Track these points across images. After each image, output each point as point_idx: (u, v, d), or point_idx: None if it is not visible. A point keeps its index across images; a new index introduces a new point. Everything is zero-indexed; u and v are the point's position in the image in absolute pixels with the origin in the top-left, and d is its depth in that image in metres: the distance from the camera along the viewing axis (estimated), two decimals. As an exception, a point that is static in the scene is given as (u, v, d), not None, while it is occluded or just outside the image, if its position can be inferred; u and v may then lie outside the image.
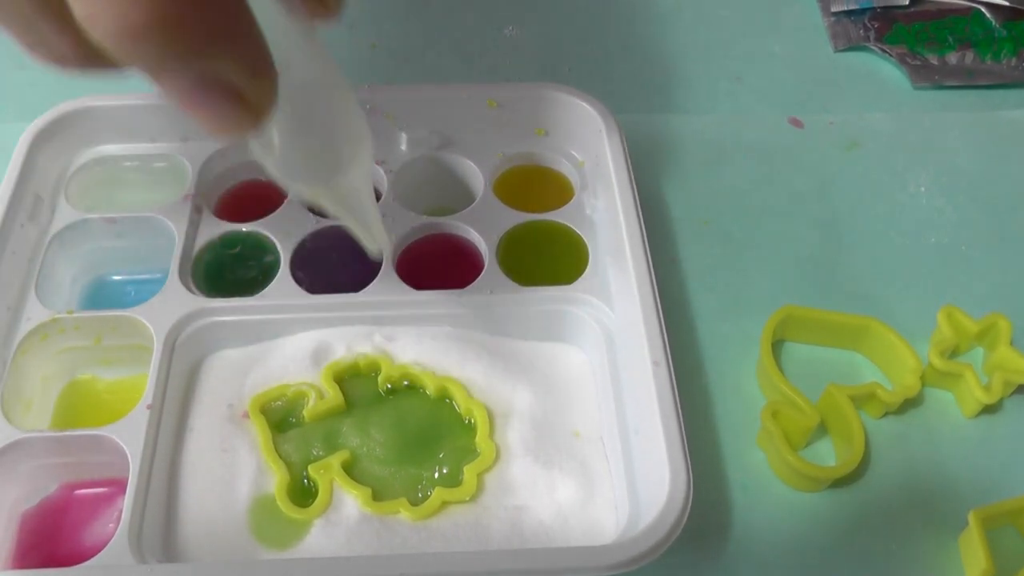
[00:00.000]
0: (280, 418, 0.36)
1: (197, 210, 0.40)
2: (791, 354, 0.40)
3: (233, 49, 0.21)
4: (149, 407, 0.34)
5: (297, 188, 0.29)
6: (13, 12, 0.22)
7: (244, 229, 0.40)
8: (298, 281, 0.38)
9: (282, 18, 0.24)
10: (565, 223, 0.40)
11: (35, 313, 0.36)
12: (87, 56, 0.22)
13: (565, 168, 0.43)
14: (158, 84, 0.22)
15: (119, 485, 0.33)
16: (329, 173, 0.28)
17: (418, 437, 0.35)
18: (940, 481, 0.36)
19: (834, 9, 0.54)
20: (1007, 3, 0.53)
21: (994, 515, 0.34)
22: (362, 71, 0.51)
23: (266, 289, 0.37)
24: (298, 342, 0.37)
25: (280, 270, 0.38)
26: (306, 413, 0.35)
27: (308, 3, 0.25)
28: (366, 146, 0.28)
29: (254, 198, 0.41)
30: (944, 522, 0.35)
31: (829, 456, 0.37)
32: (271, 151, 0.27)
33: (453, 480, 0.34)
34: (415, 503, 0.33)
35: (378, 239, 0.32)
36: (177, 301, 0.37)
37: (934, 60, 0.52)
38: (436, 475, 0.34)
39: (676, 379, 0.33)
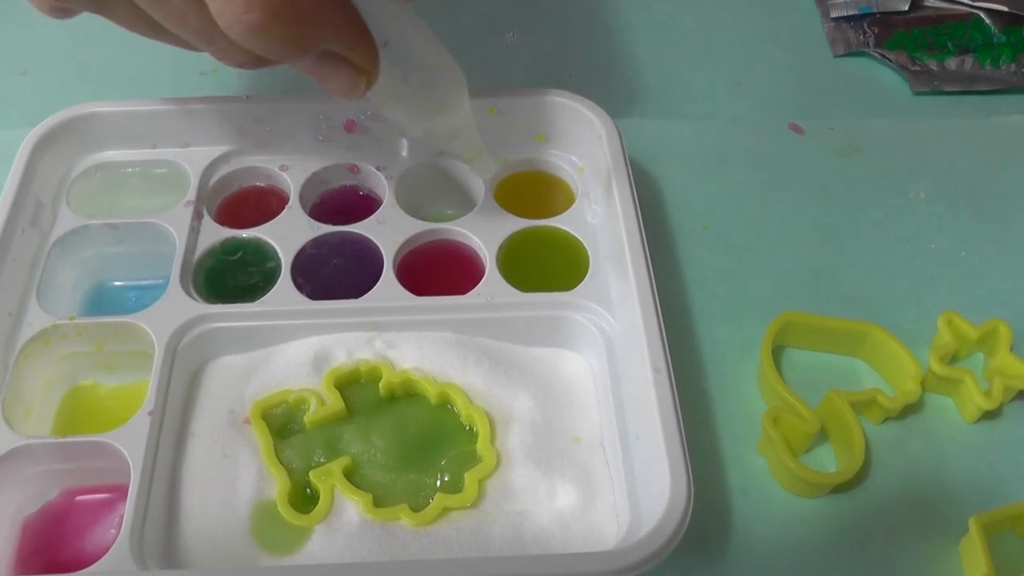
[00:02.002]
0: (281, 424, 0.36)
1: (198, 216, 0.40)
2: (791, 360, 0.40)
3: (338, 31, 0.28)
4: (150, 413, 0.34)
5: (415, 127, 0.36)
6: (198, 31, 0.29)
7: (245, 235, 0.40)
8: (299, 287, 0.38)
9: (383, 2, 0.30)
10: (565, 229, 0.40)
11: (36, 319, 0.36)
12: (255, 59, 0.29)
13: (565, 174, 0.43)
14: (292, 65, 0.30)
15: (120, 491, 0.33)
16: (436, 112, 0.34)
17: (419, 443, 0.35)
18: (941, 487, 0.36)
19: (834, 15, 0.55)
20: (1006, 9, 0.53)
21: (995, 521, 0.34)
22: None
23: (267, 295, 0.37)
24: (299, 348, 0.37)
25: (281, 276, 0.38)
26: (307, 419, 0.35)
27: None
28: (463, 89, 0.35)
29: (255, 204, 0.41)
30: (945, 528, 0.35)
31: (830, 462, 0.37)
32: (388, 104, 0.34)
33: (454, 486, 0.34)
34: (416, 509, 0.33)
35: (484, 164, 0.39)
36: (178, 307, 0.37)
37: (933, 66, 0.52)
38: (437, 481, 0.34)
39: (677, 385, 0.33)
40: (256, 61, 0.29)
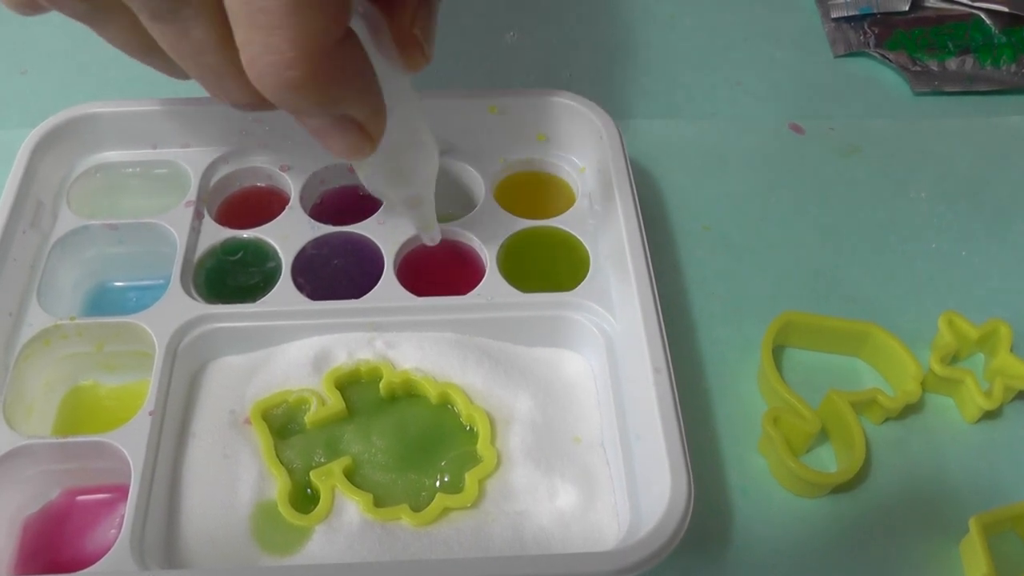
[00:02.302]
0: (282, 424, 0.36)
1: (198, 216, 0.40)
2: (792, 360, 0.40)
3: (361, 98, 0.28)
4: (151, 413, 0.34)
5: (380, 192, 0.36)
6: (210, 68, 0.27)
7: (245, 235, 0.40)
8: (299, 287, 0.38)
9: (384, 66, 0.30)
10: (566, 229, 0.40)
11: (37, 319, 0.36)
12: (259, 102, 0.27)
13: (566, 174, 0.43)
14: (301, 122, 0.29)
15: (121, 491, 0.33)
16: (406, 186, 0.35)
17: (419, 443, 0.35)
18: (941, 487, 0.36)
19: (834, 15, 0.55)
20: (1007, 9, 0.53)
21: (995, 521, 0.34)
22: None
23: (267, 295, 0.37)
24: (299, 348, 0.37)
25: (281, 276, 0.38)
26: (307, 419, 0.35)
27: (404, 56, 0.30)
28: (435, 167, 0.35)
29: (255, 205, 0.41)
30: (945, 528, 0.35)
31: (830, 462, 0.37)
32: (364, 166, 0.34)
33: (454, 486, 0.34)
34: (416, 509, 0.33)
35: (432, 235, 0.39)
36: (179, 307, 0.37)
37: (934, 66, 0.52)
38: (437, 481, 0.34)
39: (677, 385, 0.33)
40: (258, 105, 0.28)
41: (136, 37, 0.29)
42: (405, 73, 0.31)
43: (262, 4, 0.24)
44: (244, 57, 0.25)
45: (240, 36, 0.25)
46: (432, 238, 0.39)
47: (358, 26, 0.28)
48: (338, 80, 0.26)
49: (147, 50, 0.29)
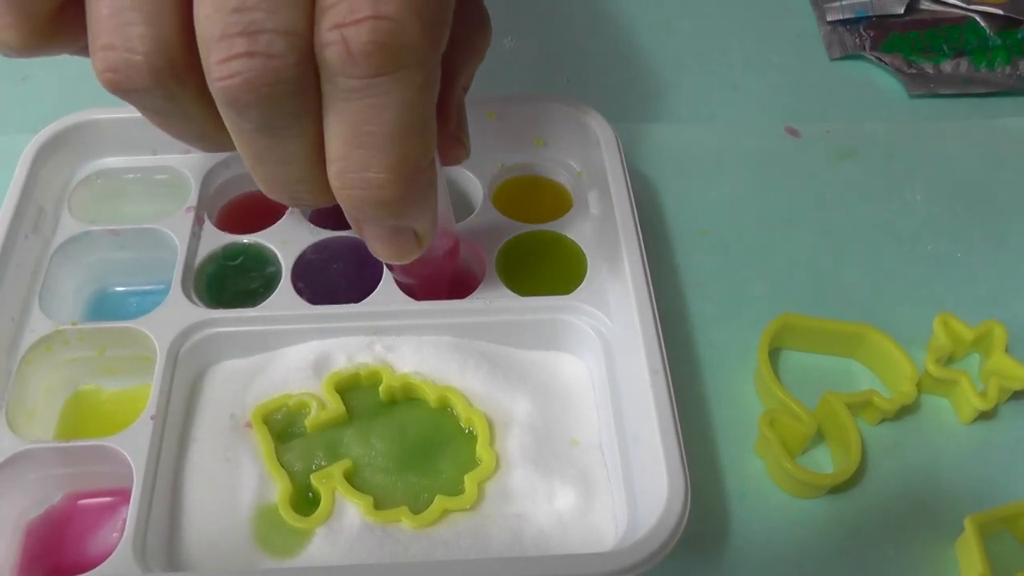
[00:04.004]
0: (282, 428, 0.36)
1: (199, 222, 0.40)
2: (788, 362, 0.40)
3: (425, 212, 0.28)
4: (152, 418, 0.34)
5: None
6: (287, 175, 0.27)
7: (246, 240, 0.40)
8: (299, 292, 0.38)
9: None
10: (563, 233, 0.40)
11: (39, 325, 0.37)
12: (323, 203, 0.28)
13: (563, 178, 0.43)
14: (357, 230, 0.29)
15: (123, 495, 0.33)
16: (424, 267, 0.36)
17: (419, 446, 0.35)
18: (937, 487, 0.37)
19: (830, 18, 0.55)
20: (1001, 12, 0.53)
21: (991, 521, 0.34)
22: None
23: (268, 300, 0.38)
24: (300, 352, 0.37)
25: (281, 281, 0.38)
26: (308, 423, 0.36)
27: (448, 155, 0.32)
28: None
29: (255, 210, 0.41)
30: (941, 528, 0.35)
31: (826, 463, 0.37)
32: None
33: (454, 489, 0.34)
34: (416, 511, 0.34)
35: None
36: (180, 312, 0.37)
37: (929, 69, 0.52)
38: (437, 484, 0.35)
39: (674, 387, 0.33)
40: (316, 205, 0.28)
41: (196, 129, 0.28)
42: (443, 167, 0.32)
43: (370, 128, 0.24)
44: (334, 168, 0.26)
45: (336, 151, 0.25)
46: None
47: None
48: (418, 200, 0.27)
49: (200, 138, 0.28)
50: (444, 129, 0.31)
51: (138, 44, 0.24)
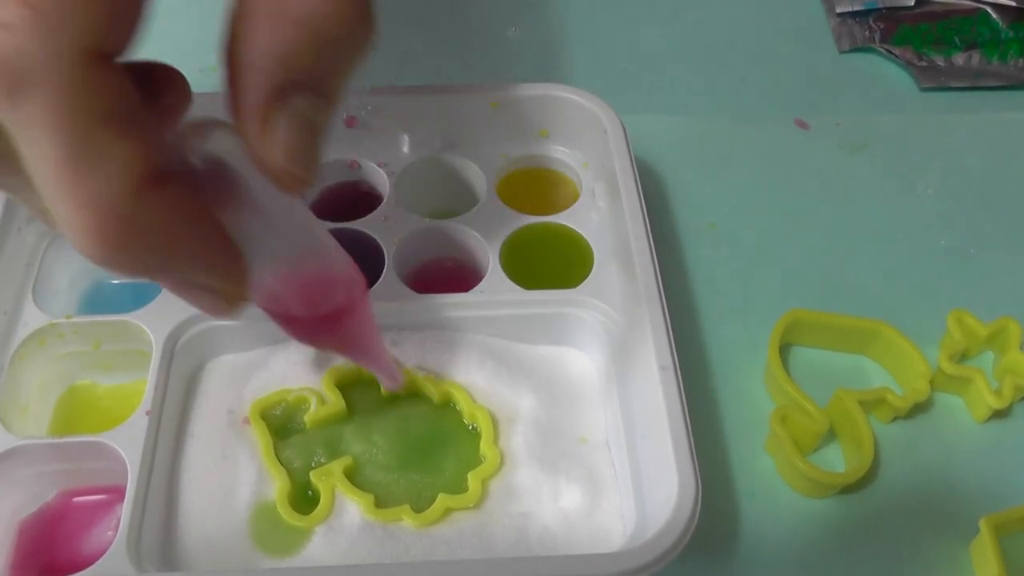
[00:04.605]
0: (281, 424, 0.35)
1: (197, 213, 0.39)
2: (799, 358, 0.39)
3: (200, 261, 0.23)
4: (148, 413, 0.33)
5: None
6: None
7: (244, 232, 0.39)
8: (299, 285, 0.37)
9: (269, 188, 0.25)
10: (569, 225, 0.40)
11: (32, 318, 0.36)
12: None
13: (569, 170, 0.42)
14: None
15: (118, 492, 0.32)
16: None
17: (421, 443, 0.35)
18: (951, 487, 0.36)
19: (839, 10, 0.54)
20: (1014, 4, 0.52)
21: (1006, 522, 0.34)
22: (364, 73, 0.51)
23: (267, 293, 0.37)
24: (299, 347, 0.37)
25: (281, 274, 0.38)
26: (307, 419, 0.35)
27: (284, 184, 0.25)
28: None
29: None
30: (955, 529, 0.35)
31: (838, 461, 0.37)
32: None
33: (457, 487, 0.34)
34: (418, 510, 0.33)
35: (391, 374, 0.34)
36: (176, 306, 0.36)
37: (940, 61, 0.51)
38: (440, 482, 0.34)
39: (683, 384, 0.32)
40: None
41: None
42: (292, 194, 0.26)
43: (36, 165, 0.20)
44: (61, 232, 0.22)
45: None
46: (395, 386, 0.35)
47: (229, 150, 0.25)
48: (152, 245, 0.22)
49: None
50: (264, 163, 0.25)
51: None
